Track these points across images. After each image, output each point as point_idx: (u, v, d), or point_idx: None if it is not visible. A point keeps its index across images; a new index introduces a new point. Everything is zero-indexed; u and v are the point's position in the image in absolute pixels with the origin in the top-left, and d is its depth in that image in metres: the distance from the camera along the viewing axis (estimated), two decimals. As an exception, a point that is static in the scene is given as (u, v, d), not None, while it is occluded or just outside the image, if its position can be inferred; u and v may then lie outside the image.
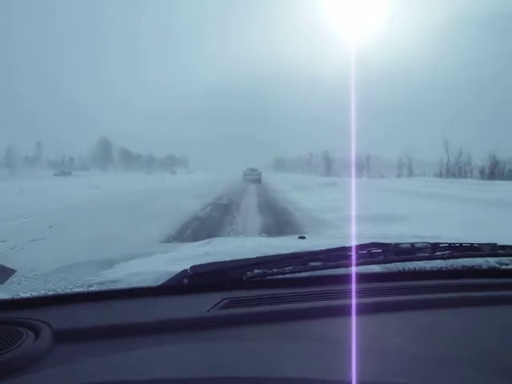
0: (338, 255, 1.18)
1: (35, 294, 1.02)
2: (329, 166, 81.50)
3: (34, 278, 1.20)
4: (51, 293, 1.03)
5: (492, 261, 1.31)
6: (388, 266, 1.22)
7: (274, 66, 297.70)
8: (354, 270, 1.14)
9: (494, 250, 1.30)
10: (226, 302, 1.01)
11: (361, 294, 1.04)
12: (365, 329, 0.87)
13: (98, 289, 1.06)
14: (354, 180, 25.32)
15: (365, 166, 74.74)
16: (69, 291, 1.05)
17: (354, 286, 1.09)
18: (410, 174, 59.86)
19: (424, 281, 1.19)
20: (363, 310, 0.96)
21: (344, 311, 0.96)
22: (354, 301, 1.01)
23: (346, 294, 1.05)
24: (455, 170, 51.03)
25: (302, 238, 1.82)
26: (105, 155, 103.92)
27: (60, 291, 1.04)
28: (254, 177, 35.98)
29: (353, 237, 1.76)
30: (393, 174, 64.30)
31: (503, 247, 1.31)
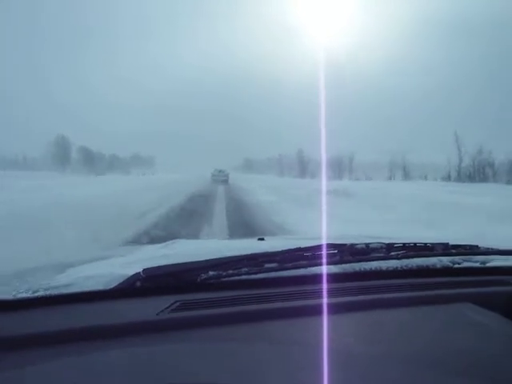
0: (294, 256, 1.18)
1: None
2: (303, 167, 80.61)
3: None
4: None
5: (445, 260, 1.34)
6: (344, 266, 1.22)
7: (244, 65, 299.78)
8: (309, 271, 1.14)
9: (446, 249, 1.33)
10: (177, 304, 0.98)
11: (317, 294, 1.04)
12: (321, 330, 0.87)
13: (45, 294, 1.01)
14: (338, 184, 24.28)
15: (346, 168, 73.34)
16: (16, 297, 1.00)
17: (309, 287, 1.09)
18: (406, 176, 55.36)
19: (380, 280, 1.20)
20: (319, 311, 0.95)
21: (299, 312, 0.96)
22: (309, 302, 1.01)
23: (302, 295, 1.05)
24: (470, 171, 44.59)
25: (261, 239, 1.81)
26: (61, 154, 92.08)
27: (9, 297, 0.99)
28: (221, 178, 36.77)
29: (310, 238, 1.77)
30: (380, 177, 58.69)
31: (455, 247, 1.35)
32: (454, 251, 1.34)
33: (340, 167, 72.24)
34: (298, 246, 1.21)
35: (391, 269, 1.26)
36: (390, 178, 58.04)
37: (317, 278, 1.12)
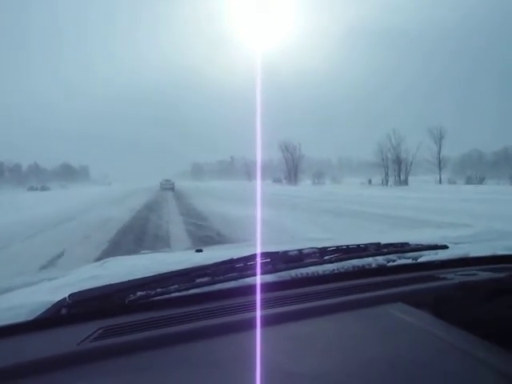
0: (227, 268, 1.15)
1: None
2: (248, 170, 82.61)
3: None
4: None
5: (380, 259, 1.36)
6: (280, 274, 1.21)
7: (182, 72, 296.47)
8: (243, 282, 1.11)
9: (378, 249, 1.36)
10: (101, 331, 0.92)
11: (253, 306, 1.01)
12: (257, 345, 0.83)
13: None
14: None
15: (300, 170, 75.36)
16: None
17: (245, 299, 1.06)
18: (405, 180, 59.94)
19: (316, 286, 1.19)
20: (254, 324, 0.92)
21: (236, 327, 0.92)
22: (246, 315, 0.97)
23: (238, 309, 1.01)
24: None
25: (199, 251, 1.76)
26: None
27: None
28: (168, 186, 44.67)
29: (247, 247, 1.74)
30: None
31: (387, 245, 1.38)
32: (385, 250, 1.36)
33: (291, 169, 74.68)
34: (230, 257, 1.17)
35: (328, 272, 1.26)
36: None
37: (251, 289, 1.09)
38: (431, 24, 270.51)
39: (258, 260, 1.18)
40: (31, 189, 70.34)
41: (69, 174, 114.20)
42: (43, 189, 69.76)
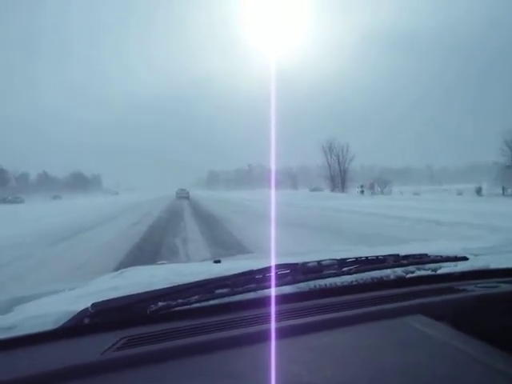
0: (246, 279, 1.16)
1: None
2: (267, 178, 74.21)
3: None
4: None
5: (399, 271, 1.36)
6: (299, 285, 1.21)
7: (197, 81, 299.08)
8: (262, 293, 1.12)
9: (397, 260, 1.35)
10: (124, 341, 0.94)
11: (273, 317, 1.01)
12: (278, 356, 0.84)
13: None
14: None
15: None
16: None
17: (264, 311, 1.06)
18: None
19: (335, 297, 1.19)
20: (276, 335, 0.93)
21: (256, 338, 0.92)
22: (265, 326, 0.97)
23: (258, 320, 1.02)
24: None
25: (218, 262, 1.78)
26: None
27: None
28: (183, 195, 49.86)
29: (265, 258, 1.75)
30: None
31: (406, 257, 1.38)
32: (404, 261, 1.36)
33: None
34: (249, 268, 1.18)
35: (346, 284, 1.26)
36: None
37: (270, 301, 1.10)
38: (447, 26, 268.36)
39: (277, 271, 1.19)
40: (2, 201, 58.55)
41: (80, 183, 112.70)
42: (12, 201, 58.20)
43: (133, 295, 1.10)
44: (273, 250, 1.76)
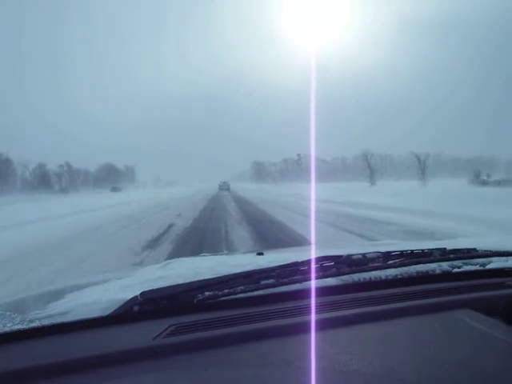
0: (291, 271, 1.16)
1: None
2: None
3: None
4: None
5: (445, 265, 1.33)
6: (343, 278, 1.21)
7: (237, 76, 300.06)
8: (307, 285, 1.13)
9: (443, 254, 1.32)
10: (173, 328, 0.97)
11: (317, 309, 1.03)
12: (324, 346, 0.85)
13: (42, 324, 1.00)
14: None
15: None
16: (12, 329, 0.98)
17: (308, 302, 1.07)
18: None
19: (379, 290, 1.18)
20: (321, 325, 0.94)
21: (300, 328, 0.94)
22: (310, 317, 0.99)
23: (302, 311, 1.03)
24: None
25: (260, 254, 1.80)
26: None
27: (5, 329, 0.97)
28: (225, 187, 58.46)
29: (307, 251, 1.76)
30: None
31: (453, 251, 1.34)
32: (452, 256, 1.33)
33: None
34: (294, 260, 1.19)
35: (391, 277, 1.25)
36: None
37: (316, 292, 1.11)
38: (493, 12, 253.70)
39: (322, 263, 1.19)
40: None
41: (114, 175, 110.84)
42: (118, 190, 65.31)
43: (180, 284, 1.13)
44: (313, 243, 1.76)
